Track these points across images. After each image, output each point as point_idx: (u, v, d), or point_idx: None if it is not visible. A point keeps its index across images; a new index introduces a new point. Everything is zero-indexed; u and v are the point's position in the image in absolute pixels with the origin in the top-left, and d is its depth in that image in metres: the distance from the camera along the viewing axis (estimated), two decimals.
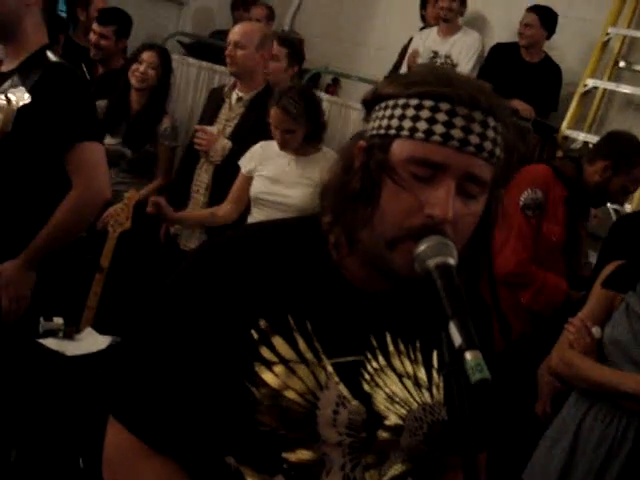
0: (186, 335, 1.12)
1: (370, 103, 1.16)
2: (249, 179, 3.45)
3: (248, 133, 3.60)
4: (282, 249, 1.17)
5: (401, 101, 1.10)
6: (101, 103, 4.01)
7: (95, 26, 4.32)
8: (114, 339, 3.03)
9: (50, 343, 2.89)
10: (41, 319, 2.94)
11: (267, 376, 1.10)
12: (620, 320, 2.22)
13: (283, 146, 3.34)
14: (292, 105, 3.25)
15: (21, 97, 2.15)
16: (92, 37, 4.33)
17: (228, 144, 3.63)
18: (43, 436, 2.77)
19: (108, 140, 3.93)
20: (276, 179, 3.35)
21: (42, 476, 2.77)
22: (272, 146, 3.43)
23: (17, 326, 2.27)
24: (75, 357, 2.88)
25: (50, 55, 2.30)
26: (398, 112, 1.10)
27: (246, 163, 3.46)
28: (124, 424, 1.13)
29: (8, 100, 2.16)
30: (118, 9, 4.52)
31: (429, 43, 5.10)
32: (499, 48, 5.05)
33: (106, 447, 1.17)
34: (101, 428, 1.21)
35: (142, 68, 3.92)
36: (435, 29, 5.13)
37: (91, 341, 3.01)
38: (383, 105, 1.13)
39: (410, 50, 5.17)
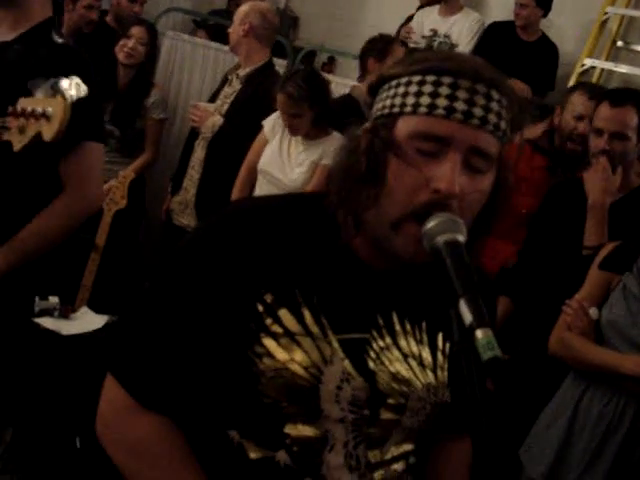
0: (190, 301, 1.12)
1: (375, 88, 1.16)
2: (265, 142, 3.45)
3: (242, 109, 3.62)
4: (291, 224, 1.16)
5: (404, 79, 1.10)
6: None
7: (94, 1, 4.25)
8: (110, 318, 3.03)
9: (46, 322, 2.89)
10: (36, 298, 2.93)
11: (272, 347, 1.10)
12: (617, 301, 2.21)
13: (293, 131, 3.32)
14: (296, 89, 3.22)
15: (78, 89, 1.75)
16: (88, 13, 4.26)
17: (219, 120, 3.64)
18: (39, 415, 2.76)
19: None
20: (282, 156, 3.35)
21: (39, 455, 2.77)
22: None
23: (12, 305, 2.21)
24: (71, 336, 2.88)
25: (55, 34, 2.05)
26: (401, 90, 1.09)
27: (269, 124, 3.46)
28: (118, 379, 1.14)
29: (60, 92, 1.76)
30: None
31: (429, 22, 5.07)
32: (495, 27, 5.02)
33: (101, 402, 1.18)
34: (97, 407, 1.20)
35: (131, 44, 3.89)
36: (437, 8, 5.09)
37: (87, 320, 3.01)
38: (386, 87, 1.13)
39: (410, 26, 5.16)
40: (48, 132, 1.65)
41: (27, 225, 2.01)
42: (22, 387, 2.68)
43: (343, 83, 4.23)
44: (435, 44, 5.03)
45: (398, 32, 5.32)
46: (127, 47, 3.87)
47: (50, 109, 1.65)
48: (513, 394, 2.60)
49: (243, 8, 3.82)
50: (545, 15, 4.82)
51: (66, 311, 2.99)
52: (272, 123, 3.45)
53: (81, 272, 3.13)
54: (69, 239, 2.83)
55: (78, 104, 1.81)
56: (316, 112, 3.28)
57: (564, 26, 5.03)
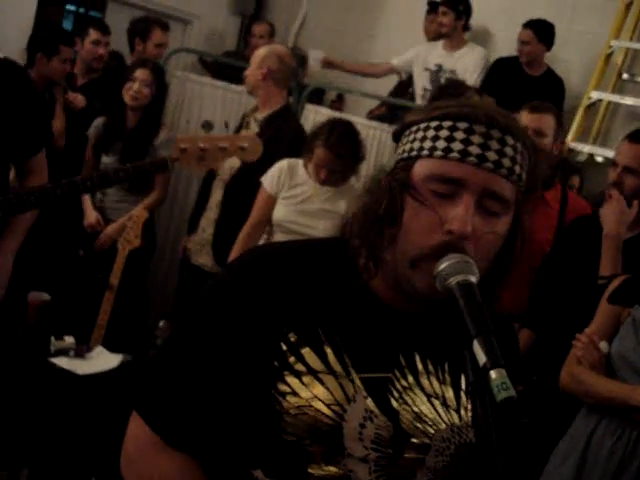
0: (216, 340, 1.14)
1: (398, 135, 1.20)
2: (273, 199, 3.37)
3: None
4: (312, 266, 1.19)
5: (423, 125, 1.14)
6: (99, 121, 4.05)
7: (99, 36, 4.36)
8: (125, 357, 3.04)
9: (62, 362, 2.91)
10: (52, 338, 2.96)
11: (295, 385, 1.12)
12: (627, 334, 2.22)
13: (323, 183, 3.30)
14: (342, 147, 3.22)
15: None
16: (96, 48, 4.37)
17: (237, 163, 3.65)
18: (55, 455, 2.77)
19: (104, 159, 4.00)
20: (302, 209, 3.33)
21: None
22: (297, 168, 3.39)
23: (29, 345, 2.26)
24: (86, 376, 2.89)
25: None
26: (420, 135, 1.14)
27: (271, 181, 3.38)
28: (143, 417, 1.15)
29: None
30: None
31: (433, 56, 5.12)
32: (501, 62, 5.07)
33: (126, 440, 1.19)
34: (114, 446, 1.22)
35: (136, 86, 3.92)
36: (441, 43, 5.14)
37: (102, 359, 3.02)
38: (407, 132, 1.17)
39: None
40: None
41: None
42: (38, 427, 2.70)
43: (351, 120, 4.25)
44: (442, 79, 5.08)
45: None
46: (132, 90, 3.92)
47: None
48: (528, 427, 2.59)
49: (261, 52, 3.84)
50: (549, 49, 4.88)
51: (81, 351, 3.01)
52: (274, 179, 3.37)
53: (96, 311, 3.15)
54: (83, 279, 2.94)
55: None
56: (352, 165, 3.33)
57: (570, 59, 5.08)
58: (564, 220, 3.11)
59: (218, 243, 3.73)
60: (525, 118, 3.00)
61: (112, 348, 3.10)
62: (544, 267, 2.98)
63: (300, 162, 3.41)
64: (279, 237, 3.38)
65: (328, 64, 5.18)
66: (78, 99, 4.24)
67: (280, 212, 3.36)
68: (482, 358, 0.93)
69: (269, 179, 3.39)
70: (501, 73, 5.00)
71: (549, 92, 4.81)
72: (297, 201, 3.35)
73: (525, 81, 4.90)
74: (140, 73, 3.95)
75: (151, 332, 3.23)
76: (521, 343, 2.81)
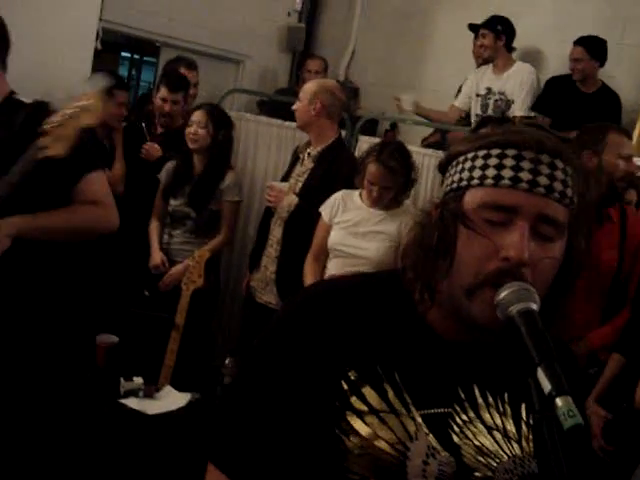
0: (279, 385, 1.15)
1: (444, 166, 1.21)
2: (329, 227, 3.49)
3: (315, 187, 3.66)
4: (368, 302, 1.19)
5: (470, 154, 1.15)
6: (169, 165, 4.14)
7: (166, 94, 4.41)
8: (193, 395, 3.08)
9: (132, 403, 2.96)
10: (121, 380, 3.02)
11: (358, 425, 1.12)
12: None
13: (376, 202, 3.35)
14: (394, 162, 3.28)
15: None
16: (163, 105, 4.42)
17: (294, 200, 3.70)
18: None
19: (172, 202, 4.08)
20: (354, 231, 3.38)
21: None
22: (353, 196, 3.48)
23: (99, 388, 2.30)
24: (156, 415, 2.94)
25: (20, 98, 2.30)
26: (468, 165, 1.14)
27: (327, 211, 3.51)
28: (221, 469, 1.16)
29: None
30: (184, 76, 4.67)
31: (484, 81, 5.12)
32: (554, 81, 5.03)
33: None
34: None
35: (192, 129, 4.01)
36: (490, 66, 5.14)
37: (171, 399, 3.07)
38: (454, 163, 1.18)
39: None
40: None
41: (53, 211, 2.25)
42: (111, 468, 2.74)
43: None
44: (490, 102, 5.07)
45: (457, 95, 5.40)
46: (190, 133, 4.01)
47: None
48: (617, 453, 2.56)
49: (311, 87, 3.85)
50: (602, 66, 4.82)
51: (150, 391, 3.06)
52: (330, 208, 3.50)
53: (163, 351, 3.20)
54: (149, 321, 2.93)
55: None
56: (403, 185, 3.36)
57: (623, 74, 5.00)
58: (625, 236, 3.07)
59: (282, 280, 3.76)
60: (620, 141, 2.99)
61: (180, 387, 3.15)
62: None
63: (356, 192, 3.48)
64: (333, 261, 3.44)
65: (416, 108, 5.21)
66: (154, 149, 4.33)
67: (333, 236, 3.43)
68: (547, 386, 0.92)
69: (326, 208, 3.51)
70: (555, 92, 4.97)
71: (605, 108, 4.76)
72: (349, 224, 3.41)
73: (580, 99, 4.85)
74: (196, 115, 4.03)
75: (218, 370, 3.26)
76: (611, 368, 2.80)
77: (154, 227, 4.11)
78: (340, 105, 3.91)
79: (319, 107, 3.76)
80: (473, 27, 5.28)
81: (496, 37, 5.04)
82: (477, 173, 1.12)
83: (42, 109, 2.17)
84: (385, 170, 3.29)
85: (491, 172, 1.10)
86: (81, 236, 2.36)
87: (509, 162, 1.10)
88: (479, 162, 1.12)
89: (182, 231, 4.04)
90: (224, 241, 4.08)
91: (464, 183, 1.13)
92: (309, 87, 3.86)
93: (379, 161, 3.28)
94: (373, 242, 3.31)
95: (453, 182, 1.16)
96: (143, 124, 4.50)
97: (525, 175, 1.08)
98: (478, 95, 5.14)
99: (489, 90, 5.07)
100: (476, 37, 5.33)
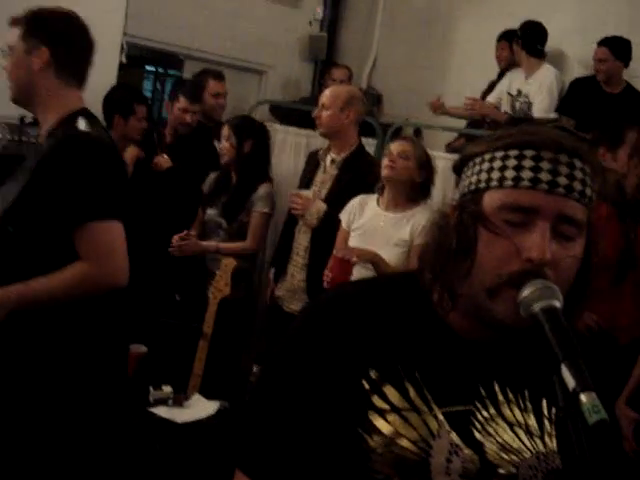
0: (302, 388, 1.15)
1: (459, 168, 1.22)
2: (347, 233, 3.51)
3: (342, 194, 3.65)
4: (388, 303, 1.20)
5: (487, 156, 1.15)
6: (211, 177, 4.21)
7: (186, 104, 4.48)
8: (222, 404, 3.09)
9: (161, 411, 2.98)
10: (151, 388, 3.04)
11: (380, 424, 1.12)
12: None
13: (390, 173, 3.36)
14: (412, 142, 3.43)
15: None
16: (183, 115, 4.49)
17: (323, 207, 3.69)
18: None
19: (209, 211, 4.13)
20: (369, 237, 3.39)
21: None
22: (370, 201, 3.50)
23: (129, 396, 2.31)
24: (185, 424, 2.96)
25: (76, 123, 2.17)
26: (486, 166, 1.15)
27: (345, 217, 3.53)
28: (251, 476, 1.16)
29: None
30: (201, 87, 4.74)
31: (516, 82, 5.14)
32: (578, 83, 5.01)
33: None
34: None
35: (221, 144, 4.07)
36: (523, 69, 5.16)
37: (200, 407, 3.09)
38: (471, 164, 1.18)
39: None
40: None
41: (38, 280, 2.07)
42: (141, 476, 2.76)
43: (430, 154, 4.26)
44: (517, 104, 5.08)
45: (482, 98, 5.40)
46: (221, 148, 4.06)
47: None
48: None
49: (341, 94, 3.82)
50: (626, 66, 4.79)
51: (179, 399, 3.08)
52: (347, 214, 3.53)
53: (191, 360, 3.23)
54: (177, 330, 2.89)
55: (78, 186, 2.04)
56: (421, 179, 3.38)
57: None
58: None
59: (312, 288, 3.74)
60: None
61: (209, 395, 3.17)
62: None
63: (374, 196, 3.50)
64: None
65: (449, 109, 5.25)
66: (163, 160, 4.38)
67: (350, 243, 3.44)
68: (571, 382, 0.92)
69: (344, 214, 3.54)
70: (579, 94, 4.94)
71: (630, 108, 4.72)
72: (364, 230, 3.42)
73: (605, 99, 4.82)
74: (223, 130, 4.10)
75: (246, 378, 3.28)
76: None
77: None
78: (365, 113, 3.96)
79: (352, 116, 3.77)
80: (505, 33, 5.32)
81: (515, 42, 5.08)
82: (495, 175, 1.12)
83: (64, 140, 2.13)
84: (403, 140, 3.42)
85: (510, 173, 1.11)
86: (76, 298, 2.11)
87: (528, 163, 1.10)
88: (497, 163, 1.13)
89: (215, 241, 4.06)
90: (245, 248, 4.02)
91: (482, 185, 1.14)
92: (338, 94, 3.83)
93: (397, 139, 3.44)
94: (387, 247, 3.31)
95: (470, 184, 1.17)
96: (155, 134, 4.55)
97: (545, 175, 1.09)
98: (510, 94, 5.16)
99: (519, 92, 5.10)
100: (499, 41, 5.36)
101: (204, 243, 4.01)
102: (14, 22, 2.23)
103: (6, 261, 2.15)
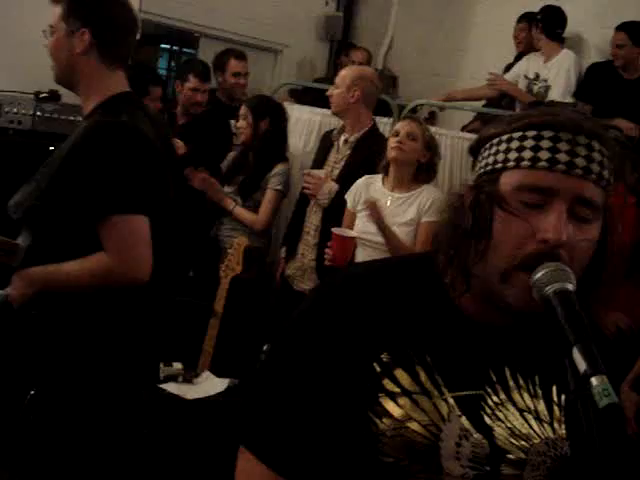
0: (311, 368, 1.16)
1: (476, 149, 1.21)
2: (353, 215, 3.50)
3: (354, 174, 3.65)
4: (400, 286, 1.20)
5: (505, 137, 1.14)
6: (231, 155, 4.22)
7: (198, 83, 4.49)
8: (231, 381, 3.10)
9: (171, 388, 2.99)
10: (161, 365, 3.05)
11: (391, 407, 1.12)
12: None
13: (398, 155, 3.34)
14: (422, 121, 3.45)
15: None
16: (194, 95, 4.50)
17: (334, 187, 3.69)
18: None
19: (226, 189, 4.13)
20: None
21: None
22: (375, 181, 3.48)
23: (139, 372, 2.31)
24: (195, 400, 2.97)
25: (113, 109, 2.11)
26: (503, 147, 1.14)
27: (350, 198, 3.52)
28: (253, 452, 1.17)
29: None
30: (208, 66, 4.76)
31: (534, 66, 5.11)
32: (595, 68, 4.97)
33: (237, 476, 1.21)
34: (224, 468, 1.25)
35: (238, 123, 4.06)
36: (542, 53, 5.12)
37: (210, 384, 3.10)
38: (487, 145, 1.17)
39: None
40: None
41: (64, 265, 2.06)
42: (150, 452, 2.78)
43: (445, 133, 4.24)
44: (534, 88, 5.05)
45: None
46: (238, 127, 4.05)
47: None
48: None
49: (350, 74, 3.83)
50: None
51: (189, 376, 3.10)
52: (353, 195, 3.51)
53: (202, 338, 3.24)
54: (188, 307, 2.88)
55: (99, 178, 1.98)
56: (426, 159, 3.38)
57: None
58: None
59: (322, 267, 3.72)
60: None
61: (219, 373, 3.18)
62: None
63: (379, 177, 3.49)
64: (359, 251, 3.42)
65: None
66: (178, 146, 4.38)
67: (357, 226, 3.43)
68: (582, 365, 0.92)
69: (349, 195, 3.52)
70: (596, 79, 4.90)
71: None
72: (369, 212, 3.37)
73: (621, 85, 4.78)
74: (241, 109, 4.09)
75: (256, 356, 3.29)
76: None
77: None
78: (378, 93, 3.92)
79: (358, 94, 3.76)
80: (524, 15, 5.27)
81: (535, 26, 5.03)
82: (513, 155, 1.11)
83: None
84: (410, 120, 3.41)
85: (527, 154, 1.10)
86: (96, 289, 2.08)
87: (546, 144, 1.09)
88: (514, 144, 1.12)
89: (230, 219, 4.07)
90: (255, 222, 4.02)
91: (499, 165, 1.13)
92: (347, 73, 3.85)
93: (403, 118, 3.46)
94: (393, 229, 3.28)
95: (487, 164, 1.16)
96: (166, 115, 4.55)
97: (562, 156, 1.08)
98: (527, 77, 5.12)
99: (537, 76, 5.07)
100: (518, 22, 5.33)
101: (224, 196, 4.04)
102: (55, 0, 2.14)
103: (34, 247, 2.15)
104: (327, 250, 3.27)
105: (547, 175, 1.08)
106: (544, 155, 1.09)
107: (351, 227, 3.47)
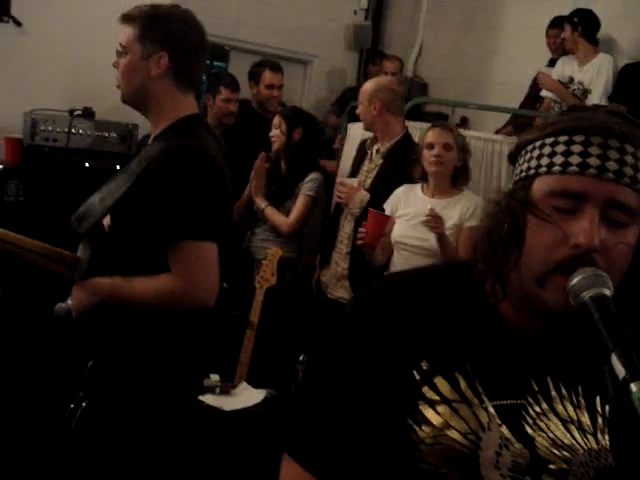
0: (353, 376, 1.16)
1: (515, 156, 1.21)
2: (392, 221, 3.50)
3: (386, 183, 3.66)
4: (439, 293, 1.20)
5: (538, 143, 1.14)
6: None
7: (229, 94, 4.54)
8: (269, 392, 3.12)
9: (209, 399, 3.02)
10: None
11: (430, 415, 1.12)
12: None
13: (438, 168, 3.35)
14: (448, 127, 3.43)
15: None
16: (227, 105, 4.54)
17: (366, 196, 3.70)
18: None
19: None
20: (414, 223, 3.37)
21: None
22: (414, 189, 3.49)
23: (185, 387, 2.32)
24: (233, 412, 2.99)
25: (186, 132, 2.12)
26: (536, 153, 1.14)
27: (389, 207, 3.53)
28: (296, 459, 1.17)
29: None
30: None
31: (569, 69, 5.07)
32: (628, 69, 4.91)
33: None
34: (263, 479, 1.25)
35: (272, 132, 4.08)
36: (577, 56, 5.07)
37: (247, 395, 3.12)
38: (523, 152, 1.18)
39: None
40: None
41: (132, 280, 2.06)
42: (189, 464, 2.80)
43: (477, 136, 4.22)
44: (570, 91, 5.00)
45: (531, 86, 5.33)
46: (271, 137, 4.07)
47: None
48: None
49: (368, 88, 3.89)
50: None
51: (226, 388, 3.12)
52: (391, 204, 3.52)
53: (238, 349, 3.25)
54: (225, 318, 2.88)
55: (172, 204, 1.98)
56: (461, 162, 3.39)
57: None
58: None
59: (355, 276, 3.76)
60: None
61: (256, 384, 3.19)
62: None
63: (418, 185, 3.50)
64: (397, 255, 3.43)
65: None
66: None
67: (396, 230, 3.42)
68: (621, 372, 0.91)
69: (388, 205, 3.53)
70: (630, 80, 4.84)
71: None
72: (410, 217, 3.40)
73: None
74: (274, 119, 4.11)
75: (293, 366, 3.30)
76: None
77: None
78: (400, 99, 3.94)
79: (379, 105, 3.79)
80: (557, 20, 5.22)
81: (573, 29, 4.96)
82: (545, 161, 1.11)
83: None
84: (441, 129, 3.39)
85: (559, 159, 1.09)
86: (159, 309, 2.08)
87: (577, 148, 1.08)
88: (547, 150, 1.12)
89: (263, 229, 4.08)
90: (284, 225, 4.00)
91: (532, 172, 1.13)
92: (366, 88, 3.91)
93: (433, 127, 3.41)
94: (433, 233, 3.28)
95: (522, 171, 1.16)
96: None
97: (593, 161, 1.07)
98: (561, 82, 5.07)
99: (571, 80, 5.02)
100: (554, 28, 5.26)
101: (261, 193, 4.05)
102: (127, 20, 2.12)
103: (95, 261, 2.17)
104: (361, 229, 3.31)
105: (578, 180, 1.07)
106: (575, 160, 1.08)
107: (389, 233, 3.48)
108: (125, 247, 2.12)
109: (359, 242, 3.30)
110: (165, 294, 2.04)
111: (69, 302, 2.17)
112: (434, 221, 3.18)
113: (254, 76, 4.85)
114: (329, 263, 3.97)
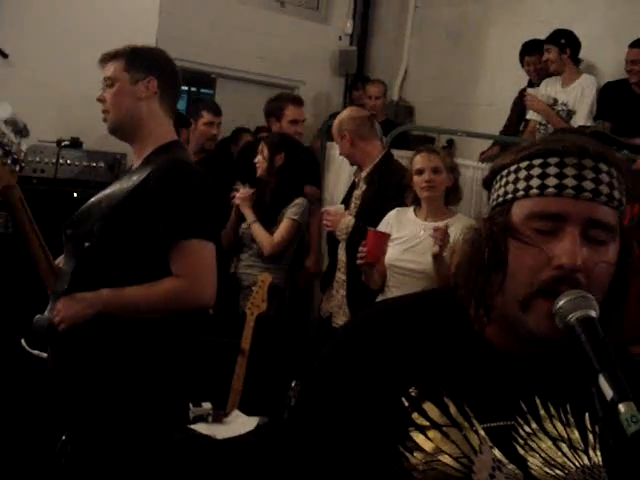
0: (341, 406, 1.16)
1: (489, 182, 1.22)
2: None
3: (369, 207, 3.73)
4: (424, 320, 1.20)
5: (513, 167, 1.15)
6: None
7: (212, 117, 4.59)
8: (261, 419, 3.10)
9: (201, 428, 3.00)
10: (190, 405, 3.06)
11: (421, 440, 1.11)
12: None
13: (430, 193, 3.37)
14: (435, 151, 3.46)
15: None
16: (209, 129, 4.59)
17: (352, 221, 3.72)
18: None
19: (244, 225, 4.10)
20: (409, 246, 3.39)
21: None
22: (407, 213, 3.51)
23: (169, 414, 2.32)
24: (225, 440, 2.97)
25: (174, 152, 2.28)
26: (512, 177, 1.15)
27: (381, 229, 3.52)
28: None
29: None
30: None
31: (552, 91, 5.10)
32: (610, 87, 4.98)
33: None
34: None
35: (256, 158, 4.08)
36: (560, 78, 5.10)
37: (239, 423, 3.10)
38: (498, 177, 1.19)
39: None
40: None
41: (133, 287, 2.15)
42: None
43: (464, 164, 4.23)
44: (554, 112, 5.04)
45: (512, 108, 5.38)
46: (255, 162, 4.09)
47: None
48: None
49: (334, 124, 4.00)
50: None
51: (219, 416, 3.10)
52: (383, 226, 3.52)
53: (229, 377, 3.24)
54: (215, 346, 2.88)
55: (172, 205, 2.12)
56: (451, 183, 3.42)
57: None
58: None
59: (353, 303, 3.78)
60: None
61: (248, 411, 3.17)
62: None
63: (410, 209, 3.51)
64: (390, 279, 3.43)
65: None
66: None
67: (389, 254, 3.42)
68: (609, 393, 0.91)
69: (381, 227, 3.53)
70: (611, 97, 4.90)
71: None
72: (403, 240, 3.41)
73: (637, 103, 4.77)
74: (260, 146, 4.11)
75: (285, 393, 3.28)
76: None
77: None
78: (367, 124, 3.96)
79: (349, 137, 3.88)
80: (532, 44, 5.26)
81: (561, 51, 5.00)
82: (522, 184, 1.12)
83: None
84: (429, 152, 3.42)
85: (535, 182, 1.11)
86: (163, 312, 2.18)
87: (552, 170, 1.10)
88: (522, 173, 1.13)
89: (248, 255, 4.07)
90: (266, 245, 3.96)
91: (509, 196, 1.14)
92: (334, 126, 4.03)
93: (420, 152, 3.43)
94: (426, 255, 3.27)
95: (499, 196, 1.17)
96: None
97: (570, 181, 1.08)
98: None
99: (555, 101, 5.05)
100: (530, 54, 5.30)
101: (250, 209, 4.06)
102: (109, 58, 2.30)
103: (96, 273, 2.21)
104: (361, 248, 3.32)
105: (556, 201, 1.09)
106: (551, 182, 1.09)
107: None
108: (114, 258, 2.18)
109: (359, 261, 3.32)
110: (169, 294, 2.14)
111: (47, 314, 2.20)
112: (442, 236, 3.17)
113: (274, 112, 4.60)
114: (331, 291, 4.00)
